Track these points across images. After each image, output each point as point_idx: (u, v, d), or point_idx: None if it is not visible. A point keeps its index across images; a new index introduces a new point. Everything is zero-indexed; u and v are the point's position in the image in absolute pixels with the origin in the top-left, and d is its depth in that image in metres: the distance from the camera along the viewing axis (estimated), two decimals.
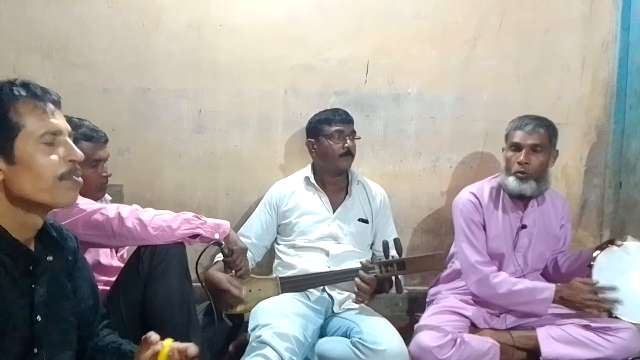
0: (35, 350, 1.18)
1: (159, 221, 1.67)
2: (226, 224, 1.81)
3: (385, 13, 2.53)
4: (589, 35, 2.65)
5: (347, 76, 2.54)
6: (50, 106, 1.16)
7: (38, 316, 1.18)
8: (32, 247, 1.21)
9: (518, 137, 2.15)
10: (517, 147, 2.16)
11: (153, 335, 1.20)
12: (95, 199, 1.83)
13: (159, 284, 1.62)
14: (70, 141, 1.18)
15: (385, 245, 2.00)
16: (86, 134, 1.83)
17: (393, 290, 2.02)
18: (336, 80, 2.53)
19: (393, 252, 2.01)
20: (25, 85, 1.16)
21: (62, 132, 1.17)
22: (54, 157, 1.14)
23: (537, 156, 2.14)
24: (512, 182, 2.15)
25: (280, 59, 2.50)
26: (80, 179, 1.20)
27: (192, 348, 1.23)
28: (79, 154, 1.18)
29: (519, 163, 2.13)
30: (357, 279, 1.98)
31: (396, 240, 2.01)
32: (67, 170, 1.16)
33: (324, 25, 2.50)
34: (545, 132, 2.15)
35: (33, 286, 1.18)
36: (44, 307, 1.20)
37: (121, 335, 1.42)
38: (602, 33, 2.66)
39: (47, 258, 1.23)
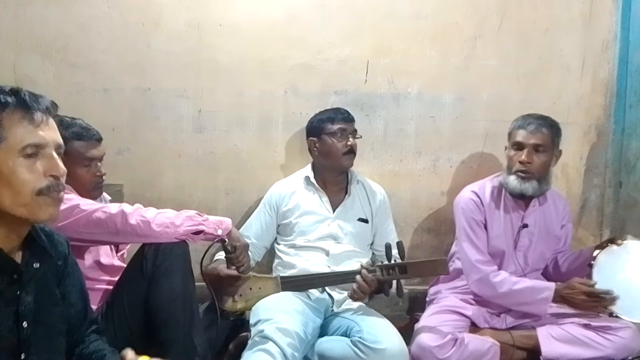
0: (23, 356, 1.16)
1: (163, 218, 1.67)
2: (228, 220, 1.82)
3: (385, 13, 2.53)
4: (589, 35, 2.65)
5: (347, 76, 2.54)
6: (39, 116, 1.11)
7: (24, 322, 1.16)
8: (19, 255, 1.18)
9: (520, 136, 2.14)
10: (519, 147, 2.15)
11: (129, 354, 1.17)
12: (92, 199, 1.83)
13: (163, 283, 1.63)
14: (55, 155, 1.13)
15: (388, 248, 1.99)
16: (77, 133, 1.82)
17: (393, 291, 2.01)
18: (336, 80, 2.53)
19: (396, 256, 2.00)
20: (15, 92, 1.10)
21: (48, 144, 1.12)
22: (33, 171, 1.10)
23: (539, 156, 2.13)
24: (513, 181, 2.15)
25: (280, 59, 2.50)
26: (61, 195, 1.15)
27: None
28: (61, 169, 1.13)
29: (521, 162, 2.12)
30: (358, 277, 1.97)
31: (399, 244, 2.01)
32: (45, 186, 1.11)
33: (324, 25, 2.50)
34: (548, 132, 2.14)
35: (18, 293, 1.16)
36: (31, 314, 1.18)
37: (124, 334, 1.42)
38: (602, 33, 2.66)
39: (34, 265, 1.20)
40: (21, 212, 1.11)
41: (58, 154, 1.15)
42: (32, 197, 1.10)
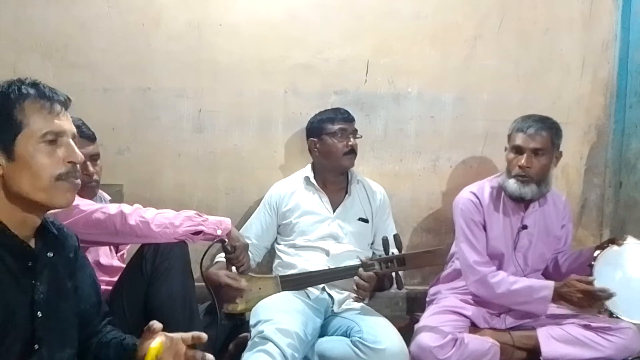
0: (36, 346, 1.19)
1: (162, 219, 1.68)
2: (227, 220, 1.82)
3: (385, 13, 2.53)
4: (589, 35, 2.65)
5: (347, 76, 2.54)
6: (57, 107, 1.18)
7: (39, 312, 1.19)
8: (32, 244, 1.22)
9: (520, 139, 2.12)
10: (518, 150, 2.13)
11: (155, 324, 1.22)
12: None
13: (162, 283, 1.63)
14: (72, 143, 1.19)
15: (385, 242, 1.99)
16: None
17: (394, 287, 2.02)
18: (336, 80, 2.53)
19: (393, 249, 2.00)
20: (34, 84, 1.18)
21: (65, 133, 1.18)
22: (53, 157, 1.16)
23: (538, 159, 2.11)
24: (512, 184, 2.14)
25: (280, 59, 2.49)
26: (78, 181, 1.21)
27: (201, 336, 1.25)
28: (79, 156, 1.19)
29: (520, 167, 2.11)
30: (356, 278, 1.98)
31: (396, 236, 2.01)
32: (65, 171, 1.17)
33: (324, 25, 2.50)
34: (548, 134, 2.11)
35: (33, 282, 1.20)
36: (45, 304, 1.21)
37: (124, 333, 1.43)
38: (602, 33, 2.66)
39: (48, 255, 1.24)
40: (40, 196, 1.16)
41: (74, 142, 1.21)
42: (51, 181, 1.16)
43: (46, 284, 1.22)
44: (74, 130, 1.22)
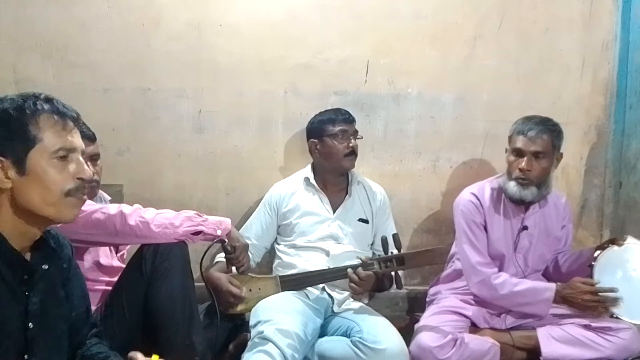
0: (26, 357, 1.19)
1: (162, 219, 1.68)
2: (227, 221, 1.82)
3: (385, 13, 2.52)
4: (589, 35, 2.65)
5: (347, 76, 2.54)
6: (70, 123, 1.20)
7: (30, 323, 1.19)
8: (28, 256, 1.22)
9: (520, 142, 2.11)
10: (519, 153, 2.12)
11: (139, 358, 1.23)
12: None
13: (162, 283, 1.63)
14: (82, 159, 1.21)
15: (384, 241, 2.00)
16: None
17: (394, 287, 2.02)
18: (336, 80, 2.53)
19: (392, 249, 2.01)
20: (48, 100, 1.19)
21: (77, 149, 1.20)
22: (64, 172, 1.17)
23: (539, 162, 2.11)
24: (512, 187, 2.14)
25: (280, 59, 2.49)
26: (85, 197, 1.23)
27: None
28: (88, 172, 1.21)
29: (521, 170, 2.11)
30: (349, 270, 1.98)
31: (395, 236, 2.00)
32: (74, 187, 1.18)
33: (324, 25, 2.50)
34: (549, 137, 2.10)
35: (27, 294, 1.20)
36: (37, 315, 1.21)
37: (123, 335, 1.43)
38: (602, 33, 2.66)
39: (43, 267, 1.24)
40: (48, 211, 1.17)
41: (84, 159, 1.23)
42: (61, 197, 1.17)
43: (40, 296, 1.22)
44: (84, 146, 1.24)
